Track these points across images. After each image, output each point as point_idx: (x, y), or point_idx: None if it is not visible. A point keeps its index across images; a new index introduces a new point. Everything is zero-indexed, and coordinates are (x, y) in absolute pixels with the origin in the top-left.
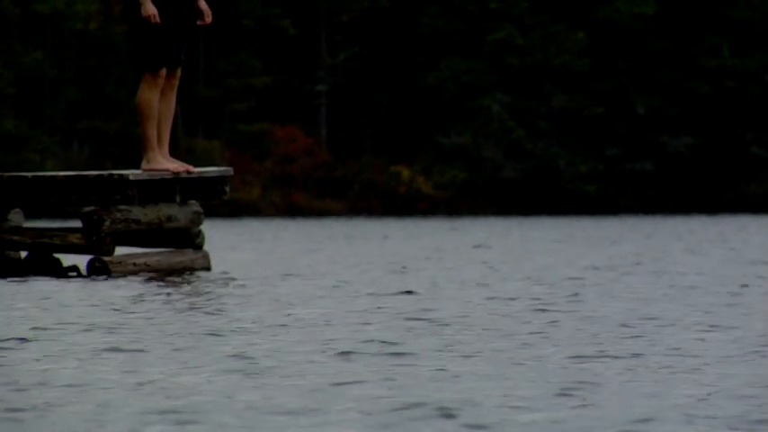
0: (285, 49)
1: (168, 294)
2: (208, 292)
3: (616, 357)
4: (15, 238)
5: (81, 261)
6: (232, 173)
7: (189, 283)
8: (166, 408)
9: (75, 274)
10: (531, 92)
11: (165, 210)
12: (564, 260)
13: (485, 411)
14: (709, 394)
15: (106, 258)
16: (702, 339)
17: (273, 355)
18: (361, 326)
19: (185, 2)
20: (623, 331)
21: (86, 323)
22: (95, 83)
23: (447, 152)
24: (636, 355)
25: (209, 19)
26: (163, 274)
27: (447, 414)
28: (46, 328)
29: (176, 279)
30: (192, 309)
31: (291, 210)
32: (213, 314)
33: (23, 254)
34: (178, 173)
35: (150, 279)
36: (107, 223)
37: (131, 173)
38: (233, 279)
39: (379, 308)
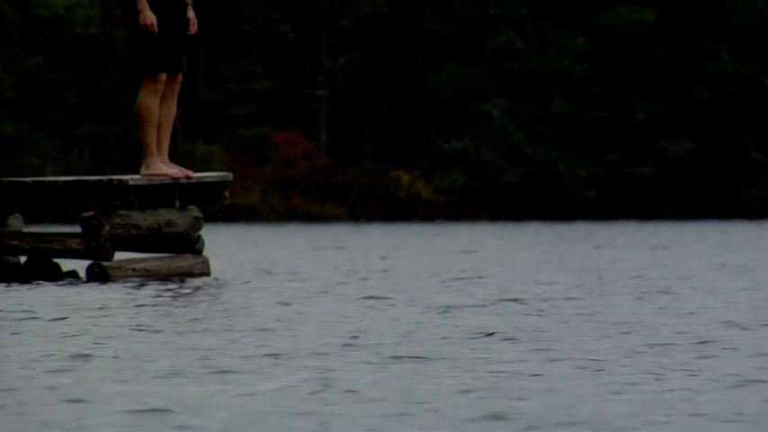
0: (285, 54)
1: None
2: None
3: None
4: (15, 243)
5: (80, 266)
6: (231, 178)
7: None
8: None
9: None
10: (531, 97)
11: (165, 215)
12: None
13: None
14: None
15: (105, 263)
16: None
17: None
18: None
19: (184, 8)
20: None
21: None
22: (95, 87)
23: (447, 157)
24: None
25: (194, 29)
26: (162, 279)
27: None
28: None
29: (175, 284)
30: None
31: (291, 214)
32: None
33: (23, 259)
34: (178, 178)
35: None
36: (106, 228)
37: (131, 178)
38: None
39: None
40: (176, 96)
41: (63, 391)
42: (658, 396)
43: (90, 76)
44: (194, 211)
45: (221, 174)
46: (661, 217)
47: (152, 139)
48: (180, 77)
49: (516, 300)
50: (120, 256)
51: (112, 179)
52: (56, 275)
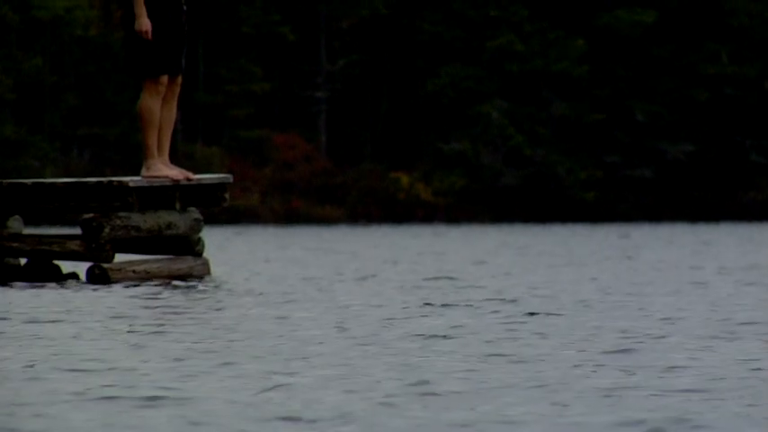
0: (285, 56)
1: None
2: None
3: None
4: (15, 244)
5: (81, 268)
6: (231, 180)
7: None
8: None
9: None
10: (531, 98)
11: (165, 217)
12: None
13: None
14: None
15: (105, 265)
16: None
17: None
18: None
19: (183, 8)
20: None
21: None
22: (95, 89)
23: (446, 159)
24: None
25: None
26: (162, 281)
27: None
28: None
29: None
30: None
31: (290, 216)
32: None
33: (23, 261)
34: (178, 180)
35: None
36: (106, 230)
37: (131, 180)
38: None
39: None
40: (177, 98)
41: (64, 392)
42: None
43: (90, 78)
44: (194, 213)
45: (221, 176)
46: (660, 219)
47: (153, 140)
48: (180, 79)
49: None
50: (120, 257)
51: (112, 181)
52: (56, 277)
